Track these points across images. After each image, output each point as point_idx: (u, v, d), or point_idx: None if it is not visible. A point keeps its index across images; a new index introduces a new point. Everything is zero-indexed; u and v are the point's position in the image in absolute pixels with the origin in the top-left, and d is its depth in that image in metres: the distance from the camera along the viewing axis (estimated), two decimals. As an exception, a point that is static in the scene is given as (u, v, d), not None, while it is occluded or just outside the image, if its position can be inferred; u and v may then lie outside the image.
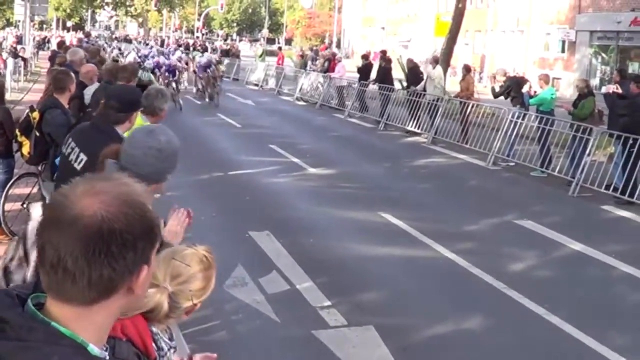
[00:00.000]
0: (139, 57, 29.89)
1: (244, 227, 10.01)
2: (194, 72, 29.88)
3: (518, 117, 16.49)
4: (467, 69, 20.70)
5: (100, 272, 1.48)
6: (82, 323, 1.53)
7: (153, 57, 28.96)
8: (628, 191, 12.65)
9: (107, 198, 1.51)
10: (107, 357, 1.64)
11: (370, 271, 8.64)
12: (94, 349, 1.54)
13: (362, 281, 8.23)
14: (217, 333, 6.58)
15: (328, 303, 7.40)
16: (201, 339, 6.32)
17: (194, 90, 29.21)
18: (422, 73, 21.49)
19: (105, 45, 48.12)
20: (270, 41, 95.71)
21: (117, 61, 26.41)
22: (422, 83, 20.91)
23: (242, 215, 10.74)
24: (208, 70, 27.02)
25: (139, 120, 6.00)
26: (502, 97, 17.27)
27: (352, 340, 6.60)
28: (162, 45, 50.46)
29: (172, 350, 2.59)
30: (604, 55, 37.45)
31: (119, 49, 41.01)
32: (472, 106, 19.03)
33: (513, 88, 16.91)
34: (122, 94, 5.45)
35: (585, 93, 14.80)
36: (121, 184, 1.58)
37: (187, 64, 32.56)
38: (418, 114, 20.43)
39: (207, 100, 26.58)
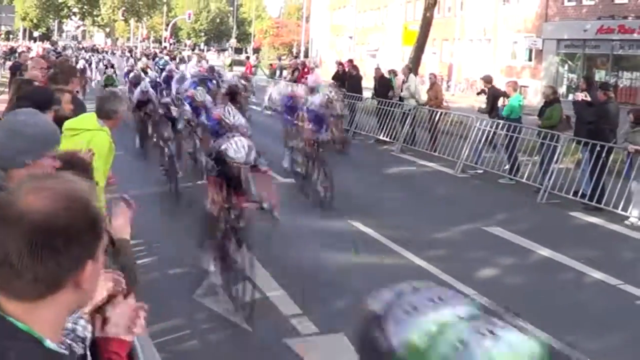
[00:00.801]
0: (159, 84, 19.45)
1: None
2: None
3: (486, 125, 16.56)
4: (434, 77, 20.79)
5: (45, 267, 1.50)
6: (33, 318, 1.53)
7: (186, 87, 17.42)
8: (596, 197, 12.77)
9: (51, 194, 1.52)
10: (67, 353, 1.64)
11: (340, 279, 8.62)
12: (50, 343, 1.55)
13: (333, 289, 8.22)
14: (188, 342, 6.53)
15: (299, 312, 7.39)
16: (172, 348, 6.29)
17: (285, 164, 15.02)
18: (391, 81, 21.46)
19: (92, 58, 42.84)
20: (238, 51, 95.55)
21: (111, 81, 25.31)
22: (396, 91, 20.82)
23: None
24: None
25: (95, 124, 5.96)
26: (472, 105, 17.05)
27: (323, 348, 6.59)
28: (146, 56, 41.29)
29: (82, 321, 2.40)
30: (570, 63, 37.82)
31: (111, 64, 31.10)
32: (441, 114, 19.12)
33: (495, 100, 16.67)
34: (33, 95, 5.50)
35: (551, 100, 14.91)
36: (66, 180, 1.60)
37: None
38: (387, 123, 20.48)
39: (321, 197, 12.69)
